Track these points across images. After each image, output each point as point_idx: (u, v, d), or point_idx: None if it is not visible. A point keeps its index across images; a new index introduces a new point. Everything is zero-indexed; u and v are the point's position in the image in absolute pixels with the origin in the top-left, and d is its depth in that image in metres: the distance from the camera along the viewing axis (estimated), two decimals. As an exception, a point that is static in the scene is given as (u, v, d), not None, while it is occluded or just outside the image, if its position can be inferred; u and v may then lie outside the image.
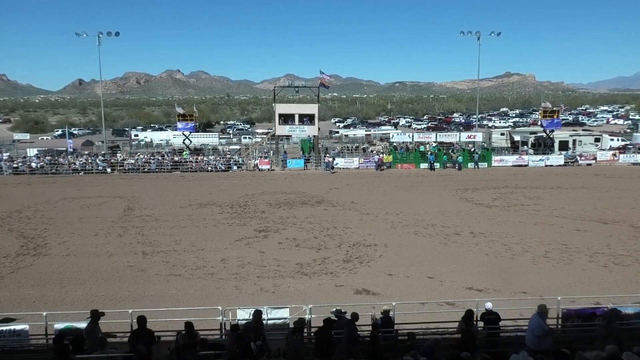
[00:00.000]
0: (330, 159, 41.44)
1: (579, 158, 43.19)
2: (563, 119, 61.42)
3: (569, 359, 7.63)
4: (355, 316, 9.91)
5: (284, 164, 42.42)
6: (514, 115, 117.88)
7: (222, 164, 42.06)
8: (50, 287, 15.32)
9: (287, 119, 44.18)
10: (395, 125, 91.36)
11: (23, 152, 47.10)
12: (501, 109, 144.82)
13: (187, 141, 46.58)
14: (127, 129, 74.81)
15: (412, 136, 48.83)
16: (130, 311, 10.29)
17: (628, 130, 68.00)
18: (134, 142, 58.99)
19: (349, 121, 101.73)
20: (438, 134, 49.63)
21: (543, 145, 45.46)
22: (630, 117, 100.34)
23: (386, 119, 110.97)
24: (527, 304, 13.09)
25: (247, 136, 69.15)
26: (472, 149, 44.89)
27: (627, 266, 16.86)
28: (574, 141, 46.40)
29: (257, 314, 9.88)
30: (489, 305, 10.79)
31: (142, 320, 9.34)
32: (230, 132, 79.36)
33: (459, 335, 9.91)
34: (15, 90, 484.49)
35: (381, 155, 42.85)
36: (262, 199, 29.06)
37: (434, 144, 46.07)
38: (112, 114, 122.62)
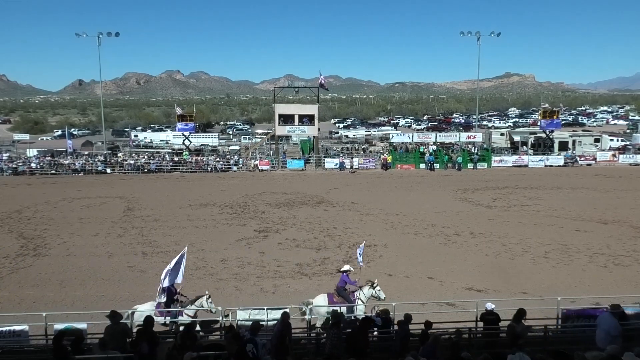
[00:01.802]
0: (348, 159, 42.10)
1: (578, 158, 43.20)
2: (563, 120, 61.38)
3: (569, 359, 7.63)
4: (408, 317, 9.90)
5: (283, 165, 42.45)
6: (513, 115, 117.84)
7: (221, 164, 42.07)
8: (50, 288, 15.32)
9: (287, 119, 44.19)
10: (395, 126, 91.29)
11: (23, 153, 47.09)
12: (509, 110, 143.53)
13: (186, 142, 46.58)
14: (127, 129, 74.78)
15: (412, 137, 48.81)
16: (130, 311, 10.29)
17: (628, 131, 67.97)
18: (133, 143, 58.94)
19: (349, 121, 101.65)
20: (438, 134, 49.60)
21: (543, 146, 45.47)
22: (630, 117, 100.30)
23: (386, 120, 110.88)
24: (527, 304, 13.09)
25: (247, 137, 69.13)
26: (476, 149, 44.80)
27: (627, 266, 16.86)
28: (574, 142, 46.39)
29: (285, 315, 9.76)
30: (489, 305, 10.78)
31: (148, 320, 9.28)
32: (230, 132, 79.32)
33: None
34: (15, 90, 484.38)
35: (385, 155, 42.97)
36: (262, 199, 29.05)
37: (433, 146, 45.96)
38: (112, 114, 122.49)
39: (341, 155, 44.65)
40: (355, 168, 41.72)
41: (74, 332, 9.83)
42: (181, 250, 12.33)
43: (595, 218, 23.60)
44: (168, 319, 11.29)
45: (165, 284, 11.30)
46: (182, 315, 11.39)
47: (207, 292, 11.80)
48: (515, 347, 8.57)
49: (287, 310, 10.11)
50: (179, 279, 11.67)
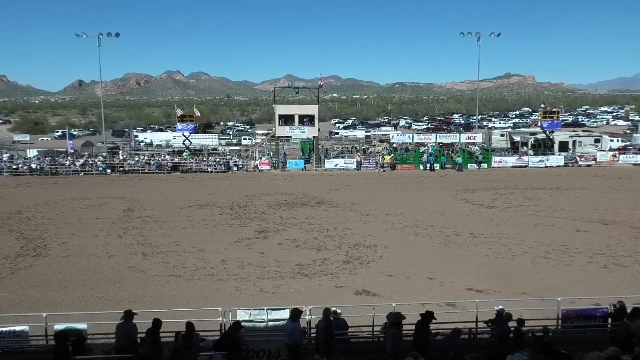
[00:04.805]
0: (376, 159, 42.70)
1: (578, 159, 43.21)
2: (563, 120, 61.40)
3: (569, 359, 7.63)
4: (508, 316, 9.87)
5: (283, 165, 42.47)
6: (514, 116, 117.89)
7: (222, 165, 42.07)
8: (50, 288, 15.32)
9: (287, 119, 44.22)
10: (395, 126, 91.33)
11: (23, 153, 47.09)
12: (520, 109, 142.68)
13: (187, 142, 46.59)
14: (127, 130, 74.74)
15: (412, 137, 48.82)
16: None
17: (628, 131, 67.97)
18: (135, 144, 58.84)
19: (349, 122, 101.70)
20: (438, 134, 49.60)
21: (543, 146, 45.49)
22: (630, 118, 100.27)
23: (386, 120, 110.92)
24: (527, 304, 13.11)
25: (247, 137, 69.16)
26: (479, 151, 44.77)
27: (627, 267, 16.85)
28: (574, 142, 46.38)
29: (327, 312, 9.68)
30: (499, 307, 10.75)
31: (157, 323, 9.26)
32: (230, 133, 79.34)
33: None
34: (15, 91, 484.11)
35: (392, 155, 43.09)
36: (262, 199, 29.06)
37: (433, 145, 45.96)
38: (112, 115, 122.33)
39: (358, 154, 44.95)
40: (338, 169, 41.81)
41: (74, 332, 9.83)
42: None
43: (595, 218, 23.60)
44: None
45: None
46: None
47: None
48: (629, 345, 8.51)
49: (329, 307, 10.07)
50: None
